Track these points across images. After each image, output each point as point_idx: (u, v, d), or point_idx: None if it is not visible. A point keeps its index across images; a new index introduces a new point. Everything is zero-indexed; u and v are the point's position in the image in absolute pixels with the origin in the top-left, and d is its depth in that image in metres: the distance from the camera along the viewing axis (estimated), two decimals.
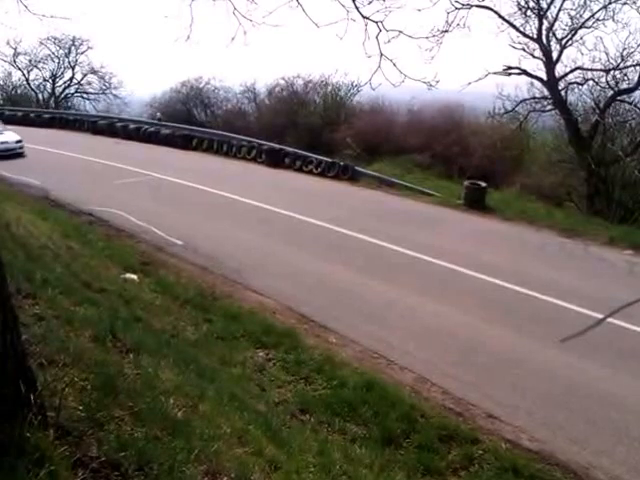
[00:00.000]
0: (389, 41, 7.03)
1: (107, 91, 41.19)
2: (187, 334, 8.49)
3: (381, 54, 6.91)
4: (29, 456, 2.97)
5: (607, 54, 19.11)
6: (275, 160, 23.49)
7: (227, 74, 37.81)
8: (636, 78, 18.72)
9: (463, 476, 6.30)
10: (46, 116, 33.61)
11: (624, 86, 19.28)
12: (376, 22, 6.76)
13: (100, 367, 4.46)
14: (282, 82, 32.12)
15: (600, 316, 10.16)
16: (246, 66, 57.05)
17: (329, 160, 22.22)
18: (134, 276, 10.66)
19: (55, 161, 22.34)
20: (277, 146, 24.39)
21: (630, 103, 19.59)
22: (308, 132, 28.01)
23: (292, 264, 12.54)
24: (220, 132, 27.57)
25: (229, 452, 4.13)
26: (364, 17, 6.68)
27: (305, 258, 12.97)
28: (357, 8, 6.56)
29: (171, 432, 3.91)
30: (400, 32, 7.11)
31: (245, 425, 5.01)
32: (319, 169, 22.07)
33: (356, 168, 21.60)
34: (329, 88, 31.07)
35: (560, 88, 19.87)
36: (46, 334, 4.76)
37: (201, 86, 35.36)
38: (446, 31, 15.30)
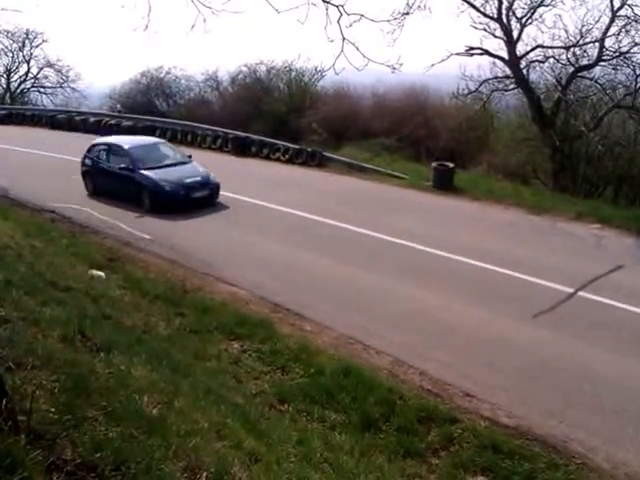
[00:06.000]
0: (351, 25, 6.94)
1: (64, 84, 40.32)
2: (159, 330, 8.37)
3: (343, 38, 6.81)
4: (0, 463, 2.88)
5: (567, 31, 19.32)
6: (242, 148, 23.29)
7: (188, 63, 37.27)
8: (595, 54, 18.93)
9: (443, 456, 6.32)
10: (2, 112, 32.81)
11: (584, 62, 19.47)
12: (337, 6, 6.66)
13: (70, 367, 4.36)
14: (245, 69, 31.75)
15: (571, 290, 10.29)
16: (208, 54, 56.30)
17: (296, 147, 22.10)
18: (101, 273, 10.48)
19: (13, 158, 21.84)
20: (243, 134, 24.17)
21: (591, 79, 19.77)
22: (274, 119, 27.75)
23: (260, 253, 12.46)
24: (183, 122, 27.17)
25: (208, 447, 4.07)
26: (324, 1, 6.58)
27: (273, 246, 12.91)
28: None
29: (147, 430, 3.84)
30: (362, 16, 7.02)
31: (223, 419, 4.95)
32: (287, 156, 21.96)
33: (324, 154, 21.51)
34: (293, 74, 30.81)
35: (522, 67, 19.97)
36: (12, 336, 4.64)
37: (162, 76, 34.68)
38: (407, 13, 15.19)
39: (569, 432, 6.80)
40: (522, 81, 19.99)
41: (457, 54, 19.72)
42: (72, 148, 21.82)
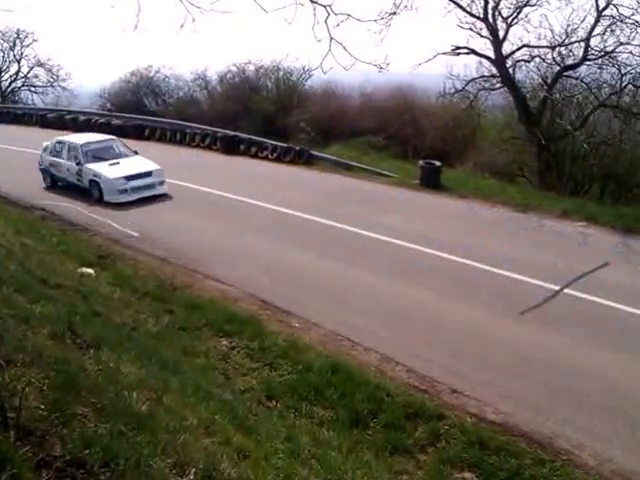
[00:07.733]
0: (338, 25, 6.97)
1: (55, 84, 40.09)
2: (148, 326, 8.40)
3: (331, 38, 6.85)
4: None
5: (552, 31, 19.43)
6: (230, 147, 23.27)
7: (177, 62, 37.03)
8: (581, 53, 19.06)
9: (430, 453, 6.39)
10: None
11: (570, 62, 19.60)
12: (324, 6, 6.69)
13: (60, 364, 4.38)
14: (233, 68, 31.74)
15: (557, 287, 10.38)
16: (197, 53, 56.16)
17: (284, 145, 22.12)
18: (91, 270, 10.49)
19: (4, 156, 21.67)
20: (231, 133, 24.16)
21: (576, 78, 19.92)
22: (262, 118, 27.77)
23: (249, 250, 12.48)
24: (173, 121, 27.14)
25: (196, 443, 4.10)
26: (312, 1, 6.62)
27: (261, 243, 12.94)
28: None
29: (136, 426, 3.86)
30: (349, 15, 7.06)
31: (211, 415, 4.98)
32: (275, 154, 21.98)
33: (312, 152, 21.55)
34: (281, 73, 30.78)
35: (508, 66, 20.09)
36: (2, 333, 4.64)
37: (151, 75, 34.67)
38: (394, 13, 15.20)
39: (556, 429, 6.87)
40: (508, 80, 20.11)
41: (444, 53, 19.82)
42: None
